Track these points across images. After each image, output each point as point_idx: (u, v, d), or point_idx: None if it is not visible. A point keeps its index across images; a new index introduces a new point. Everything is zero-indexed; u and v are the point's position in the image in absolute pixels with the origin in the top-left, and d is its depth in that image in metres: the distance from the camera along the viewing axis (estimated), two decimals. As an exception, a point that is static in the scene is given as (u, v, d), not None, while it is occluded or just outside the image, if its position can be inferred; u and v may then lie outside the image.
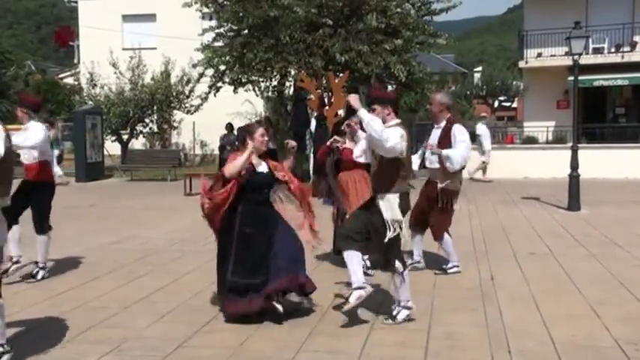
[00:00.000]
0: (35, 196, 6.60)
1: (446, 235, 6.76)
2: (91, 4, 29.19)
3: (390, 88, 18.43)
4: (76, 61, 31.97)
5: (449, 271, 6.79)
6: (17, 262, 6.80)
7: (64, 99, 26.52)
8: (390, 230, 4.96)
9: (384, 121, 5.06)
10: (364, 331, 4.99)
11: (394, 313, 5.18)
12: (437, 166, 6.58)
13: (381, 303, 5.50)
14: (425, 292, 6.03)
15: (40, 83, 30.71)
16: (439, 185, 6.58)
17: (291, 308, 5.30)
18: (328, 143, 6.62)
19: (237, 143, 5.80)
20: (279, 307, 5.17)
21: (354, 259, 5.08)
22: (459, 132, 6.54)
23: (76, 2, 30.53)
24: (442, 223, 6.72)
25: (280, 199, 5.63)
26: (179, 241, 8.91)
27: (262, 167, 5.40)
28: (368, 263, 6.73)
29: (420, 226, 6.87)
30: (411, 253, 6.86)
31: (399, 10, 16.41)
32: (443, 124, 6.60)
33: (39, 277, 6.69)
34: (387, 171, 4.99)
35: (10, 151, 4.31)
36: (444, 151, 6.44)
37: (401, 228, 5.03)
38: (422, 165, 6.73)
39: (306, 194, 5.57)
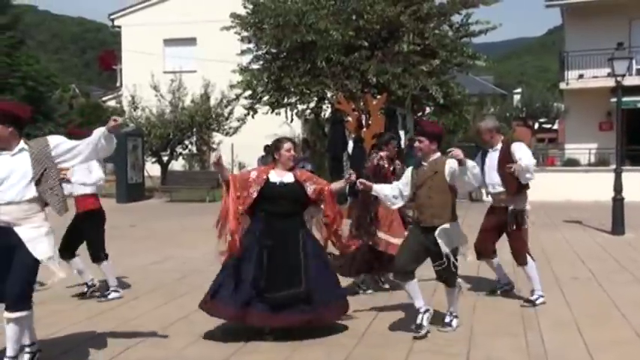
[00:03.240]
0: (89, 225, 6.75)
1: (529, 259, 6.48)
2: (133, 29, 29.92)
3: (427, 109, 18.39)
4: (118, 84, 32.72)
5: (537, 302, 6.37)
6: (92, 285, 6.92)
7: (107, 121, 27.09)
8: (452, 261, 5.23)
9: (427, 155, 5.29)
10: (402, 354, 4.94)
11: (447, 320, 5.44)
12: (500, 189, 6.42)
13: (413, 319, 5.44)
14: (464, 315, 5.93)
15: (84, 106, 31.42)
16: (510, 207, 6.38)
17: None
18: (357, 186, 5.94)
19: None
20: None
21: (415, 287, 5.35)
22: (518, 148, 6.37)
23: (120, 27, 31.33)
24: (522, 246, 6.48)
25: (317, 224, 5.58)
26: (217, 262, 8.94)
27: (283, 178, 5.35)
28: (382, 278, 6.98)
29: (490, 253, 6.72)
30: (498, 281, 6.87)
31: (436, 31, 16.40)
32: (499, 146, 6.45)
33: (111, 296, 6.81)
34: (446, 201, 5.23)
35: None
36: (518, 164, 6.17)
37: (456, 256, 5.30)
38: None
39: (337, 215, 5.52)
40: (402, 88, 15.43)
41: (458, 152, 4.99)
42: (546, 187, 18.54)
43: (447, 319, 5.51)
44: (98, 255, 6.87)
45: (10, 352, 4.32)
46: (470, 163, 5.07)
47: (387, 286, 6.95)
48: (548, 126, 28.98)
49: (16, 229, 4.29)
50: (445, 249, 5.17)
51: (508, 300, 6.59)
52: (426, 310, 5.34)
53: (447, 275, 5.31)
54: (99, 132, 4.44)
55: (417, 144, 5.37)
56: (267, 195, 5.30)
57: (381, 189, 5.54)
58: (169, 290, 7.22)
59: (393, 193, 5.48)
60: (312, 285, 5.19)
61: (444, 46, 16.18)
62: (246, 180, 5.38)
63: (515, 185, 6.35)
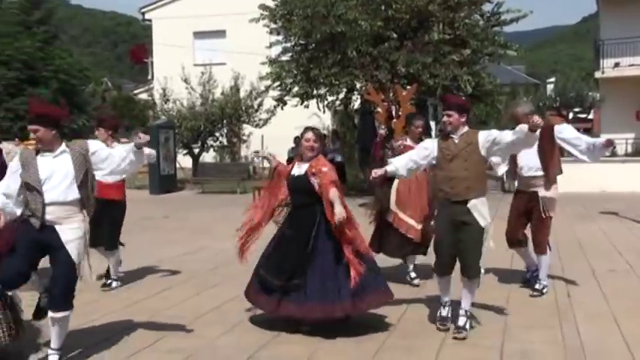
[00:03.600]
0: (108, 214, 6.81)
1: (547, 250, 6.43)
2: (164, 22, 30.13)
3: (459, 99, 18.18)
4: (149, 77, 33.02)
5: (544, 291, 6.36)
6: (117, 279, 7.02)
7: (139, 114, 27.38)
8: (487, 237, 5.06)
9: (457, 128, 5.13)
10: (435, 345, 4.90)
11: (461, 323, 5.10)
12: (535, 173, 6.28)
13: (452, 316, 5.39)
14: (498, 308, 5.87)
15: (116, 99, 31.82)
16: (542, 193, 6.26)
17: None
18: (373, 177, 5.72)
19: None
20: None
21: (448, 283, 5.28)
22: (567, 129, 6.21)
23: (150, 21, 31.58)
24: (546, 235, 6.39)
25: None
26: (249, 252, 8.98)
27: (299, 170, 5.31)
28: (413, 274, 6.87)
29: (522, 240, 6.61)
30: (527, 268, 6.78)
31: (467, 20, 16.21)
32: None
33: (114, 285, 6.94)
34: (480, 173, 5.11)
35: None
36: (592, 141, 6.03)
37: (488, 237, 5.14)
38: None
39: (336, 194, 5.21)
40: (432, 78, 15.29)
41: (541, 122, 4.79)
42: (581, 178, 18.23)
43: (462, 321, 5.12)
44: (115, 244, 6.96)
45: (54, 345, 4.50)
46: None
47: (416, 282, 6.86)
48: (583, 115, 28.49)
49: (57, 228, 4.37)
50: (482, 221, 5.02)
51: (542, 292, 6.49)
52: (448, 305, 5.31)
53: (472, 260, 5.04)
54: (129, 147, 4.54)
55: (445, 119, 5.19)
56: (289, 187, 5.41)
57: (395, 161, 5.42)
58: (202, 281, 7.28)
59: (407, 165, 5.34)
60: (304, 281, 5.08)
61: (475, 36, 15.98)
62: (286, 170, 5.50)
63: (557, 170, 6.25)
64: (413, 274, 6.89)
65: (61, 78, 23.18)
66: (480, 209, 5.06)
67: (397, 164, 5.41)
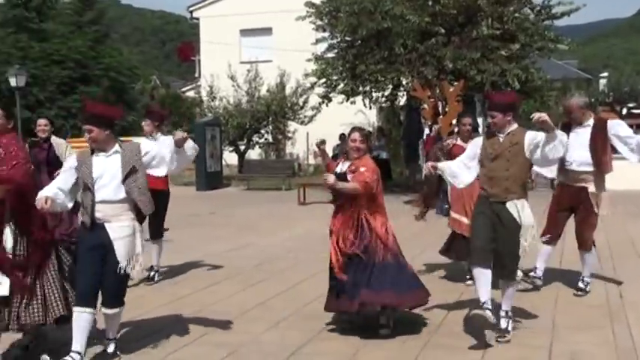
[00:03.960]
0: (158, 203, 6.92)
1: (592, 248, 6.29)
2: (211, 21, 30.46)
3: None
4: (197, 75, 33.46)
5: (588, 289, 6.24)
6: (158, 270, 7.18)
7: (186, 112, 27.81)
8: (527, 238, 4.86)
9: (503, 127, 4.95)
10: (481, 345, 4.83)
11: (504, 326, 4.96)
12: (585, 168, 6.09)
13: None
14: (546, 307, 5.76)
15: (164, 97, 32.34)
16: (592, 189, 6.09)
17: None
18: (425, 171, 5.88)
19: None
20: (386, 331, 5.11)
21: (487, 278, 4.93)
22: (620, 125, 6.05)
23: (198, 19, 31.98)
24: (592, 231, 6.23)
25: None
26: (294, 249, 9.06)
27: (342, 168, 5.28)
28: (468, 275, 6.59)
29: (558, 237, 6.45)
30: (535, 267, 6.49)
31: (516, 14, 15.91)
32: (590, 121, 6.11)
33: (156, 279, 7.07)
34: (521, 175, 4.95)
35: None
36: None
37: (533, 235, 4.92)
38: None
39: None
40: (480, 73, 15.07)
41: (542, 115, 4.60)
42: (635, 176, 17.74)
43: (504, 324, 4.96)
44: (159, 233, 7.09)
45: (110, 335, 4.70)
46: (558, 131, 4.76)
47: (469, 282, 6.69)
48: (638, 111, 27.68)
49: (107, 226, 4.48)
50: (522, 222, 4.85)
51: (593, 293, 6.32)
52: (487, 306, 4.87)
53: (509, 261, 4.91)
54: (173, 148, 4.58)
55: (489, 120, 5.07)
56: None
57: (446, 168, 5.24)
58: (247, 277, 7.34)
59: (456, 169, 5.17)
60: (365, 275, 5.06)
61: (525, 30, 15.68)
62: (332, 167, 5.49)
63: (609, 167, 6.07)
64: (468, 276, 6.62)
65: (112, 76, 23.75)
66: (520, 210, 4.89)
67: (447, 165, 5.27)
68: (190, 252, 8.63)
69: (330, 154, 5.98)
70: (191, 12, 32.16)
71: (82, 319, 4.40)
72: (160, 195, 6.95)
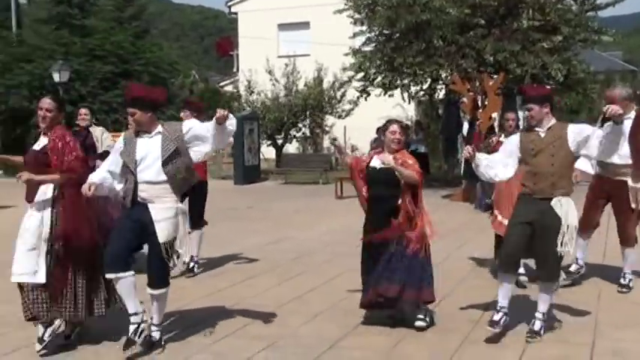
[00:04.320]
0: (196, 193, 7.00)
1: (634, 243, 6.15)
2: (249, 15, 30.63)
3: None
4: (235, 69, 33.69)
5: (631, 285, 6.10)
6: (197, 262, 7.24)
7: (224, 106, 28.06)
8: (570, 238, 4.73)
9: (540, 121, 4.83)
10: (521, 341, 4.77)
11: (537, 328, 4.85)
12: (627, 162, 5.91)
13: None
14: (588, 304, 5.65)
15: (203, 91, 32.67)
16: (632, 184, 5.93)
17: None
18: (464, 155, 5.53)
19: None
20: (422, 324, 5.10)
21: (511, 285, 4.95)
22: None
23: (236, 14, 32.18)
24: (634, 227, 6.09)
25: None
26: (331, 243, 9.06)
27: (380, 163, 5.21)
28: (522, 278, 6.35)
29: (590, 230, 6.32)
30: (575, 260, 6.35)
31: (558, 6, 15.58)
32: (632, 114, 5.91)
33: (196, 270, 7.14)
34: (567, 170, 4.83)
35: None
36: None
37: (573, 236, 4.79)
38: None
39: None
40: (520, 66, 14.82)
41: (616, 108, 4.47)
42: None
43: (537, 326, 4.86)
44: (199, 223, 7.15)
45: (155, 321, 4.74)
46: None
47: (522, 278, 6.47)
48: (684, 104, 26.92)
49: (150, 207, 4.54)
50: (565, 222, 4.71)
51: (637, 290, 6.18)
52: (504, 312, 4.84)
53: (551, 262, 4.77)
54: (212, 124, 4.58)
55: (526, 113, 4.91)
56: (368, 179, 5.31)
57: (483, 158, 5.05)
58: (284, 270, 7.38)
59: (493, 163, 4.99)
60: (393, 270, 5.06)
61: (567, 22, 15.34)
62: (361, 163, 5.42)
63: None
64: (521, 270, 6.36)
65: (152, 71, 24.06)
66: (566, 208, 4.74)
67: (484, 157, 5.10)
68: (228, 245, 8.71)
69: (368, 148, 5.94)
70: (229, 7, 32.39)
71: (119, 284, 4.49)
72: (198, 185, 7.03)
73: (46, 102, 4.79)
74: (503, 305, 4.87)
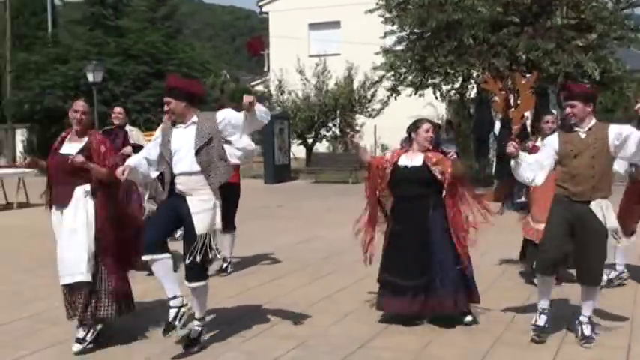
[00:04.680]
0: (228, 196, 7.03)
1: None
2: (280, 15, 30.72)
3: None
4: (265, 69, 33.82)
5: None
6: (230, 262, 7.29)
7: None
8: (617, 239, 4.65)
9: (582, 120, 4.67)
10: (554, 343, 4.71)
11: (587, 333, 4.73)
12: None
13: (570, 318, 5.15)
14: (623, 307, 5.54)
15: (234, 91, 32.83)
16: None
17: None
18: (509, 150, 5.32)
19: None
20: (469, 318, 5.09)
21: (550, 286, 4.85)
22: None
23: (267, 13, 32.31)
24: None
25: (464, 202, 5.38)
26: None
27: (412, 162, 5.19)
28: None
29: (628, 232, 6.13)
30: (613, 265, 6.25)
31: (593, 3, 15.32)
32: None
33: (229, 270, 7.18)
34: (607, 173, 4.67)
35: None
36: None
37: (617, 237, 4.68)
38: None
39: (463, 188, 5.22)
40: (553, 65, 14.61)
41: None
42: None
43: (587, 330, 4.72)
44: (231, 225, 7.16)
45: (197, 315, 4.72)
46: None
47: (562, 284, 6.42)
48: None
49: (187, 199, 4.55)
50: (606, 224, 4.57)
51: (674, 292, 6.06)
52: (546, 314, 4.77)
53: (593, 265, 4.63)
54: (242, 113, 4.57)
55: (568, 110, 4.73)
56: (396, 179, 5.24)
57: (525, 158, 4.89)
58: (315, 269, 7.38)
59: (533, 166, 4.83)
60: (433, 274, 5.05)
61: (602, 19, 15.07)
62: (383, 162, 5.39)
63: None
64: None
65: (185, 71, 24.27)
66: (605, 210, 4.61)
67: (526, 157, 4.94)
68: (259, 244, 8.74)
69: (399, 148, 5.89)
70: (260, 7, 32.53)
71: (155, 266, 4.51)
72: (230, 188, 7.07)
73: (81, 104, 4.87)
74: (545, 307, 4.81)
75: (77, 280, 4.65)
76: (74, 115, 4.84)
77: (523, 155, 4.86)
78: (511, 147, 4.79)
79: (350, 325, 5.28)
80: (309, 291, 6.39)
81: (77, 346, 4.66)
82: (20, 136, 27.74)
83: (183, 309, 4.51)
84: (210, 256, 4.58)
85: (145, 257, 4.53)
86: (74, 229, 4.69)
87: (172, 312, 4.49)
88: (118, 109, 7.46)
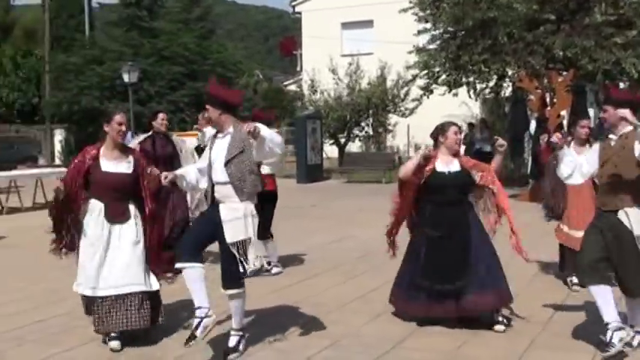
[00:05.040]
0: (264, 204, 7.04)
1: None
2: (313, 15, 30.77)
3: (621, 85, 16.97)
4: (298, 69, 33.91)
5: None
6: (269, 263, 7.23)
7: (287, 105, 28.27)
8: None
9: (615, 126, 4.52)
10: (591, 347, 4.61)
11: (636, 343, 4.58)
12: None
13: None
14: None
15: (267, 91, 33.01)
16: None
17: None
18: (553, 140, 5.17)
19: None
20: (501, 327, 5.01)
21: (606, 296, 4.47)
22: None
23: (300, 13, 32.39)
24: None
25: (484, 207, 5.29)
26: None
27: (449, 167, 5.15)
28: (575, 279, 6.04)
29: None
30: None
31: (633, -1, 14.98)
32: None
33: (274, 271, 7.14)
34: (633, 184, 4.45)
35: None
36: None
37: None
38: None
39: (506, 201, 5.26)
40: (592, 62, 14.33)
41: None
42: None
43: (637, 341, 4.59)
44: (265, 235, 7.10)
45: (234, 325, 4.69)
46: None
47: (576, 288, 6.14)
48: None
49: (221, 207, 4.55)
50: (636, 231, 4.39)
51: None
52: (619, 329, 4.41)
53: (634, 275, 4.42)
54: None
55: (602, 114, 4.65)
56: (434, 184, 5.15)
57: (570, 151, 4.84)
58: (348, 269, 7.37)
59: (576, 163, 4.73)
60: (472, 276, 4.99)
61: (642, 15, 14.74)
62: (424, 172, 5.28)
63: None
64: (575, 279, 6.18)
65: (218, 72, 24.48)
66: (634, 219, 4.41)
67: (570, 151, 4.88)
68: (291, 244, 8.74)
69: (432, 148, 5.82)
70: (293, 7, 32.62)
71: (185, 274, 4.53)
72: (267, 196, 7.06)
73: (122, 117, 4.84)
74: (609, 320, 4.44)
75: (135, 290, 4.74)
76: (119, 129, 4.77)
77: (566, 149, 4.78)
78: (556, 138, 4.74)
79: (383, 325, 5.26)
80: (342, 291, 6.38)
81: (115, 343, 4.73)
82: (58, 135, 28.33)
83: (205, 320, 4.47)
84: (246, 265, 4.49)
85: (177, 265, 4.57)
86: (136, 242, 4.81)
87: (195, 322, 4.50)
88: (162, 114, 7.21)
